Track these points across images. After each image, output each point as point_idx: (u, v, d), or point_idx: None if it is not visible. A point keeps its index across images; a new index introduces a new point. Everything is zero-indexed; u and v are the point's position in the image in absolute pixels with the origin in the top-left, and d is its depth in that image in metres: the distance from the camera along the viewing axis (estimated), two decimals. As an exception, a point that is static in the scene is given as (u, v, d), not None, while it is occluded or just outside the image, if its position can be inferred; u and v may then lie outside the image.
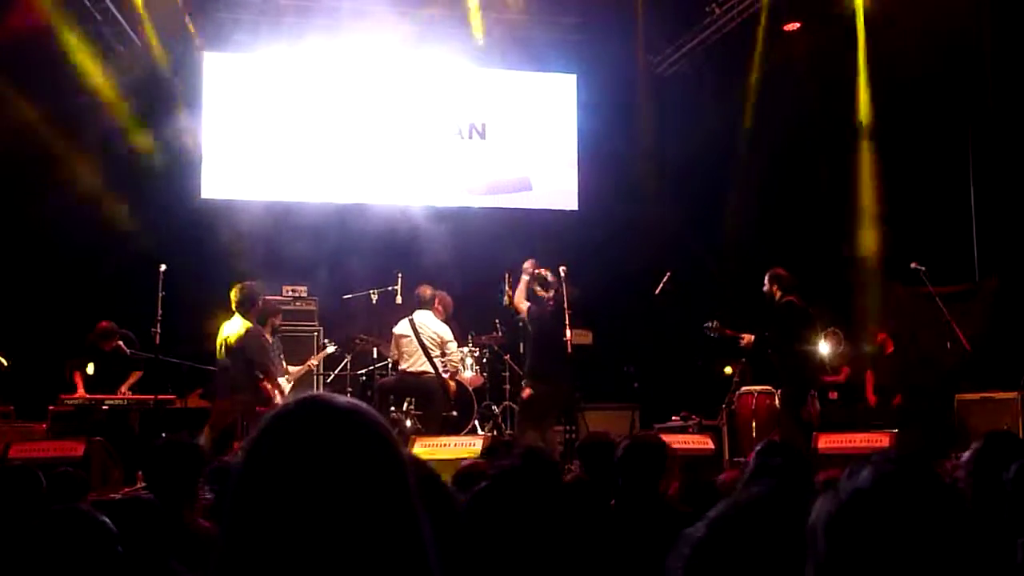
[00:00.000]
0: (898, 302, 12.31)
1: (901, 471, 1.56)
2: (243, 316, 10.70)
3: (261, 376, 10.52)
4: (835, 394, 11.73)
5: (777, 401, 11.05)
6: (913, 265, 10.97)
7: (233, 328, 10.67)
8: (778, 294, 10.80)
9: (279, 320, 11.62)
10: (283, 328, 11.76)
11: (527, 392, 10.84)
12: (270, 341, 11.24)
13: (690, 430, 11.43)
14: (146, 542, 3.32)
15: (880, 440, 9.22)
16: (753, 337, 10.89)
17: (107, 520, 2.01)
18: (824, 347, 11.35)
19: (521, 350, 12.52)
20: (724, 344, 11.64)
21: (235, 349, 10.54)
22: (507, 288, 12.24)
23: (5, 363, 11.20)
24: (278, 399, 10.62)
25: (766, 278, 10.90)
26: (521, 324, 11.73)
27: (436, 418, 11.35)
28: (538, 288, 11.11)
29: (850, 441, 9.38)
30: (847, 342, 11.99)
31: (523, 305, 11.15)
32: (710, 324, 11.11)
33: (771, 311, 10.84)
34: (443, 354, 11.36)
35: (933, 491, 1.54)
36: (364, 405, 1.61)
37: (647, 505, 4.71)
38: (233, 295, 10.75)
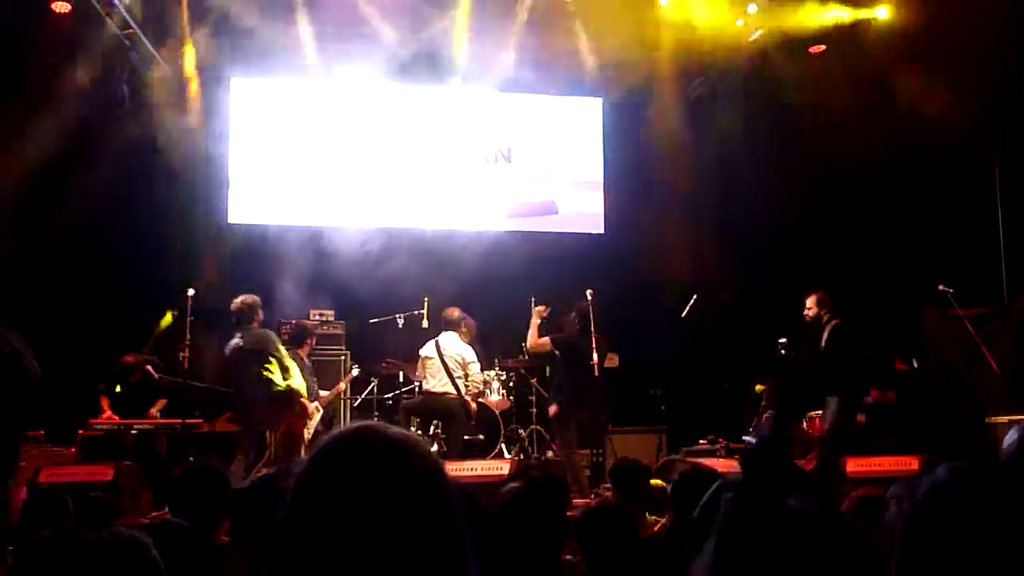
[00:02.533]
0: (929, 325, 12.24)
1: (976, 468, 1.57)
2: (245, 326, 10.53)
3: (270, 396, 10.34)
4: (862, 417, 11.65)
5: (819, 423, 10.99)
6: (941, 287, 10.92)
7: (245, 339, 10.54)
8: (825, 316, 10.79)
9: (314, 343, 11.66)
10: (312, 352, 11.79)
11: (553, 409, 10.93)
12: (306, 363, 11.25)
13: (718, 453, 11.40)
14: (182, 566, 3.34)
15: (909, 463, 9.16)
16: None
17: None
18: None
19: (547, 373, 12.55)
20: (752, 365, 11.62)
21: (254, 357, 10.35)
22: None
23: None
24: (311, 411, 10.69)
25: (811, 301, 10.87)
26: (550, 354, 11.69)
27: (458, 438, 11.42)
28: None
29: (879, 464, 9.33)
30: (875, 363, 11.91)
31: (542, 340, 11.27)
32: (784, 341, 11.11)
33: (818, 334, 10.82)
34: (466, 375, 11.40)
35: (1007, 486, 1.55)
36: (414, 436, 1.64)
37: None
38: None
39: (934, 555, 1.51)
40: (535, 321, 11.36)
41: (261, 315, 10.66)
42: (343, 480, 1.55)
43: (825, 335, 10.72)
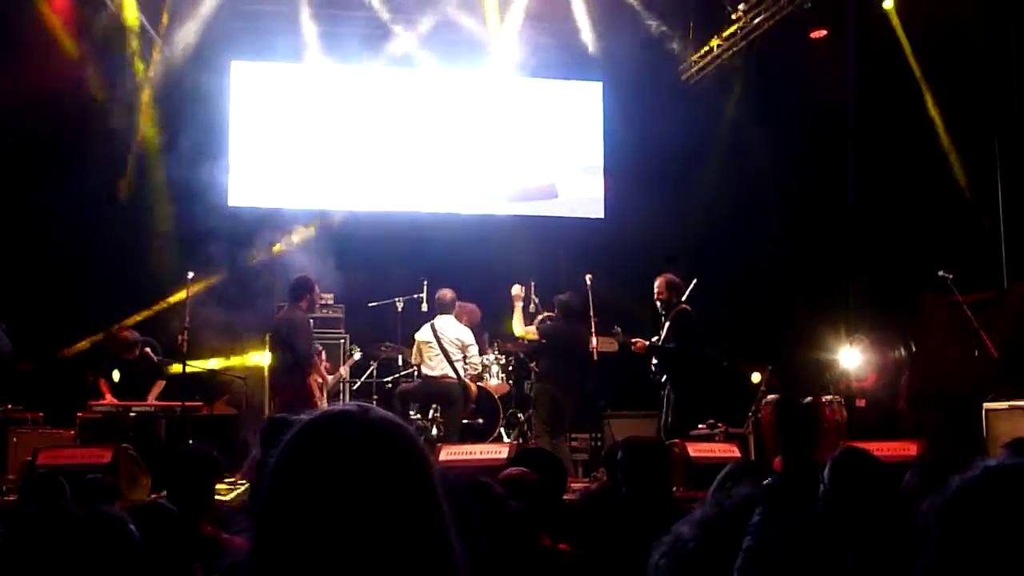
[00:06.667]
0: (927, 311, 12.20)
1: (1012, 463, 1.60)
2: (291, 305, 10.62)
3: (303, 365, 10.27)
4: (863, 401, 11.63)
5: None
6: (941, 273, 10.88)
7: (281, 315, 10.65)
8: (672, 301, 10.89)
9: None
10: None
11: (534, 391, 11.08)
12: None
13: (717, 438, 11.39)
14: (165, 548, 3.34)
15: (908, 449, 9.14)
16: (647, 344, 10.98)
17: (133, 528, 2.03)
18: (851, 354, 11.27)
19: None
20: (749, 349, 11.61)
21: (279, 335, 10.39)
22: (534, 296, 12.31)
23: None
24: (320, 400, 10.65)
25: (661, 283, 10.96)
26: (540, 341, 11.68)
27: (456, 422, 11.40)
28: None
29: (878, 450, 9.30)
30: (874, 349, 11.88)
31: (529, 329, 11.33)
32: (617, 330, 11.20)
33: (665, 317, 10.93)
34: (465, 358, 11.37)
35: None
36: (398, 419, 1.62)
37: (654, 506, 4.74)
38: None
39: (965, 548, 1.53)
40: (518, 305, 11.42)
41: (310, 296, 10.53)
42: (319, 461, 1.53)
43: (668, 320, 10.83)
